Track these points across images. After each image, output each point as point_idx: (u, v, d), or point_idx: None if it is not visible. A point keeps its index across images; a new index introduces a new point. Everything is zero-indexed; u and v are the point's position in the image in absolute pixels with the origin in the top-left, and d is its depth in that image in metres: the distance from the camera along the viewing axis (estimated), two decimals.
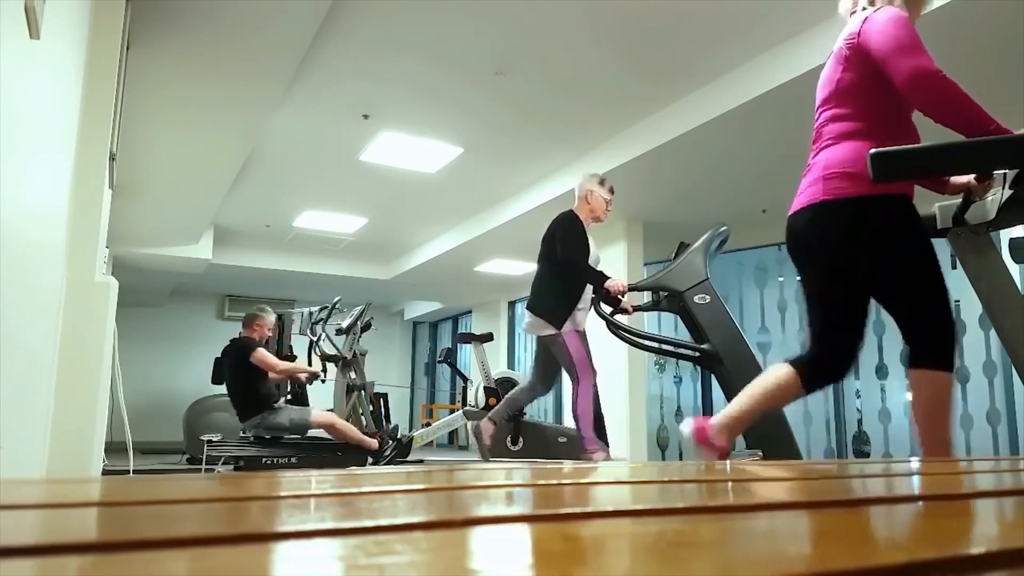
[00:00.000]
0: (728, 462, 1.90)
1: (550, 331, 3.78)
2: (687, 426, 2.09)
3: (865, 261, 1.88)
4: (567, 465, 3.19)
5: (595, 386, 4.10)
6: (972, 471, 1.11)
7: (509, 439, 4.60)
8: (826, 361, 1.96)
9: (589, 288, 3.82)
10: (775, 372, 1.97)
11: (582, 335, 3.82)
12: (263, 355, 5.13)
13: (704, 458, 2.04)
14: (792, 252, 2.01)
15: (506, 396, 4.36)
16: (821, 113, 1.97)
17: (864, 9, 1.91)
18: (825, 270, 1.95)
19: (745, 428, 2.06)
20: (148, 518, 0.53)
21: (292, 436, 5.26)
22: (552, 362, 4.00)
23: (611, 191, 3.95)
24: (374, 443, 5.22)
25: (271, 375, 5.28)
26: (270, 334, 5.46)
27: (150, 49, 3.72)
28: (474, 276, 9.21)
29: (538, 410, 9.25)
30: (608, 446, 4.15)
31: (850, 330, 1.94)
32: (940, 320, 1.85)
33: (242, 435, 5.21)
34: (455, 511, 0.59)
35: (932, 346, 1.84)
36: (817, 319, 1.97)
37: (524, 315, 3.98)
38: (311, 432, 5.39)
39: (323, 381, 5.73)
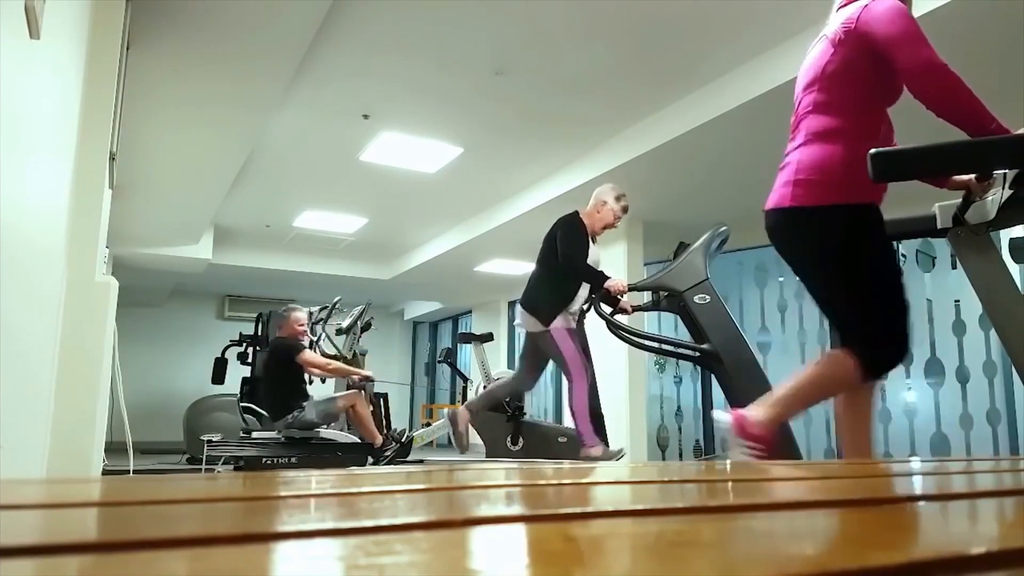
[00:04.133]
0: (728, 462, 1.89)
1: (539, 327, 3.79)
2: (724, 418, 1.97)
3: (822, 268, 1.91)
4: (567, 465, 3.19)
5: (594, 384, 4.10)
6: (972, 471, 1.11)
7: (509, 439, 4.60)
8: (882, 348, 1.89)
9: (583, 291, 3.84)
10: (832, 360, 1.90)
11: (573, 333, 3.82)
12: (310, 356, 5.20)
13: (745, 454, 1.92)
14: (775, 248, 2.02)
15: (487, 388, 4.40)
16: (803, 98, 1.98)
17: None
18: (803, 269, 1.97)
19: (791, 418, 2.00)
20: (148, 518, 0.53)
21: (302, 433, 5.27)
22: (538, 358, 4.03)
23: (624, 210, 3.95)
24: (379, 439, 5.30)
25: (314, 373, 5.30)
26: (301, 329, 5.42)
27: (150, 49, 3.72)
28: (474, 276, 9.21)
29: (538, 410, 9.25)
30: (608, 446, 4.15)
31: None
32: (886, 328, 1.85)
33: (243, 436, 5.22)
34: (455, 511, 0.59)
35: (870, 352, 1.83)
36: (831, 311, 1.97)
37: (517, 311, 3.99)
38: (312, 432, 5.38)
39: (374, 382, 5.76)
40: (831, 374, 1.89)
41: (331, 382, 6.18)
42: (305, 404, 5.17)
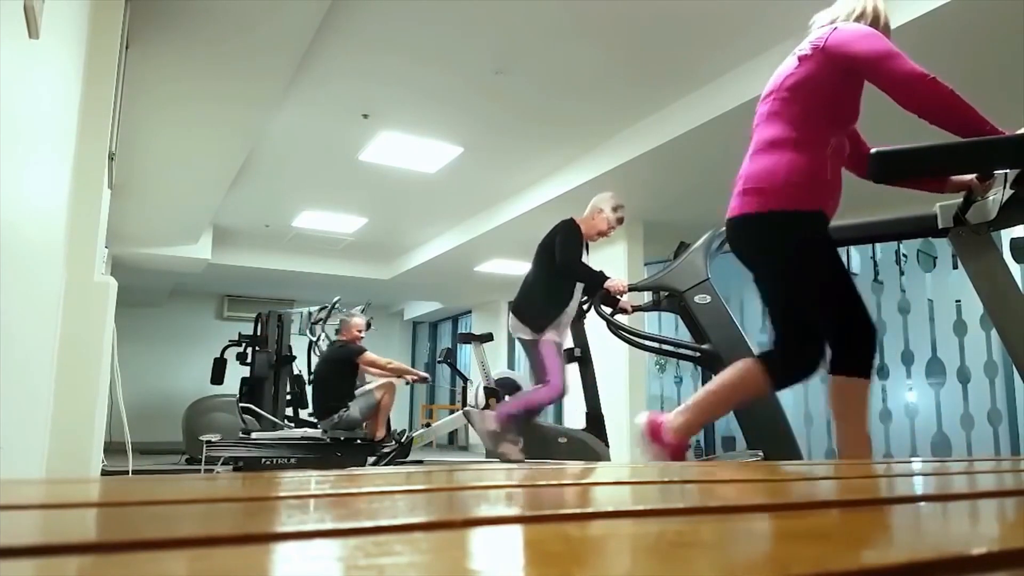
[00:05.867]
0: (730, 463, 1.90)
1: (527, 335, 3.80)
2: (641, 418, 2.08)
3: (773, 272, 1.96)
4: (567, 466, 3.18)
5: (594, 384, 4.10)
6: (973, 472, 1.11)
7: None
8: (794, 359, 1.99)
9: (574, 301, 3.85)
10: (741, 368, 1.99)
11: (559, 347, 3.83)
12: (371, 356, 5.43)
13: (652, 457, 2.03)
14: (735, 255, 2.06)
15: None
16: (761, 105, 2.01)
17: (834, 22, 1.95)
18: (761, 274, 2.01)
19: (702, 427, 2.07)
20: (148, 518, 0.53)
21: (279, 438, 5.37)
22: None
23: (620, 221, 3.95)
24: (383, 432, 5.49)
25: (375, 373, 5.56)
26: (360, 334, 5.65)
27: (150, 48, 3.72)
28: (474, 276, 9.21)
29: None
30: (608, 446, 4.15)
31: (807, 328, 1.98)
32: (854, 326, 1.88)
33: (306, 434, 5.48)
34: (455, 512, 0.59)
35: (850, 352, 1.86)
36: (774, 318, 2.02)
37: (509, 315, 3.97)
38: (311, 432, 5.42)
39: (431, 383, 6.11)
40: (741, 382, 1.98)
41: None
42: (350, 404, 5.34)
